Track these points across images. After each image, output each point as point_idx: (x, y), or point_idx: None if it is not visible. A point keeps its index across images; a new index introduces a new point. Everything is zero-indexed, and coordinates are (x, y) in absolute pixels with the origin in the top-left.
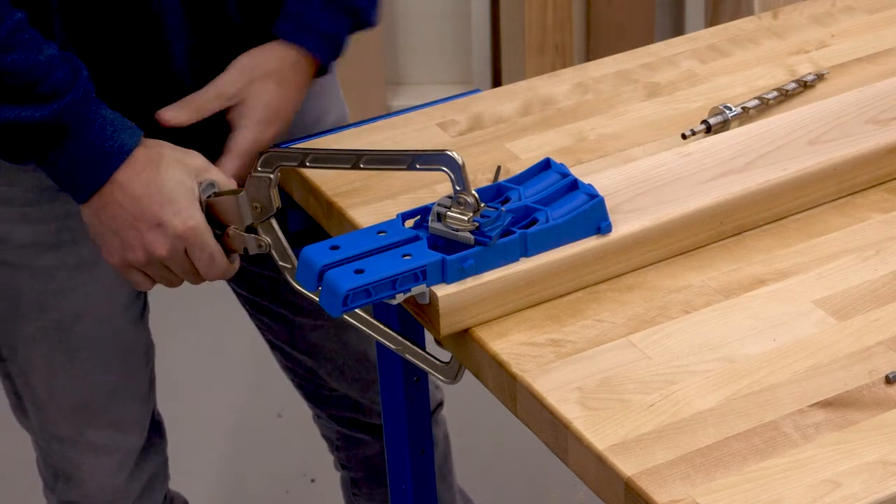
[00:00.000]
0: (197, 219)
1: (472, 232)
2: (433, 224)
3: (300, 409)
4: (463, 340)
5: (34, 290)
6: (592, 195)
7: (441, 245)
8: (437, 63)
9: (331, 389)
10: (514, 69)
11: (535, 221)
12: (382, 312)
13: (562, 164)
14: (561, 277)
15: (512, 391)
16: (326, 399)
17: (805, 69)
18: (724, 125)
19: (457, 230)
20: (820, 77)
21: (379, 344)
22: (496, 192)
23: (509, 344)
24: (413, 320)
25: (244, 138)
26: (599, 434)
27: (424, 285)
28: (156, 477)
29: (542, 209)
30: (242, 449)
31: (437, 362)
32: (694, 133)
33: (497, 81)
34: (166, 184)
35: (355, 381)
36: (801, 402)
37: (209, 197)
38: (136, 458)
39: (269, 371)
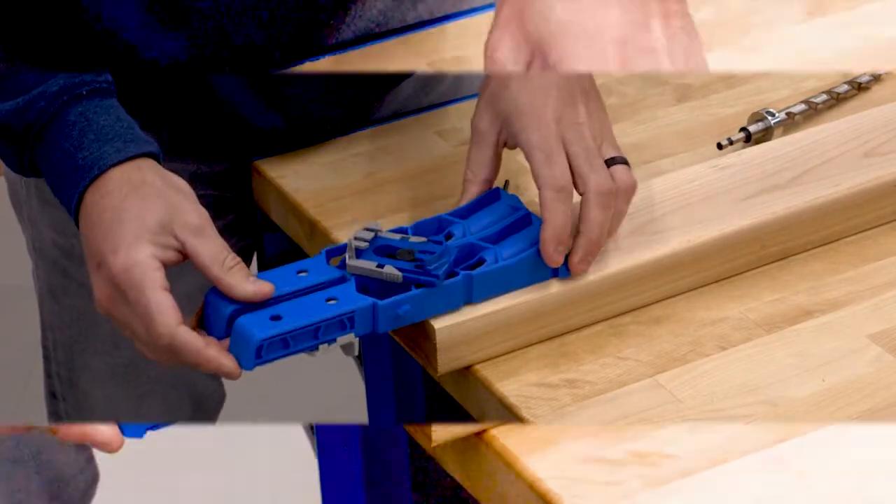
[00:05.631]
0: (136, 259)
1: (411, 271)
2: (351, 262)
3: None
4: (465, 380)
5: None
6: None
7: (372, 288)
8: None
9: None
10: None
11: (482, 262)
12: (371, 346)
13: (514, 196)
14: (578, 308)
15: None
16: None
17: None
18: (767, 133)
19: (382, 266)
20: (876, 78)
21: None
22: (437, 227)
23: (519, 384)
24: (408, 356)
25: None
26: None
27: (352, 335)
28: None
29: (489, 247)
30: None
31: None
32: (731, 142)
33: None
34: (123, 214)
35: None
36: None
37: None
38: None
39: None
